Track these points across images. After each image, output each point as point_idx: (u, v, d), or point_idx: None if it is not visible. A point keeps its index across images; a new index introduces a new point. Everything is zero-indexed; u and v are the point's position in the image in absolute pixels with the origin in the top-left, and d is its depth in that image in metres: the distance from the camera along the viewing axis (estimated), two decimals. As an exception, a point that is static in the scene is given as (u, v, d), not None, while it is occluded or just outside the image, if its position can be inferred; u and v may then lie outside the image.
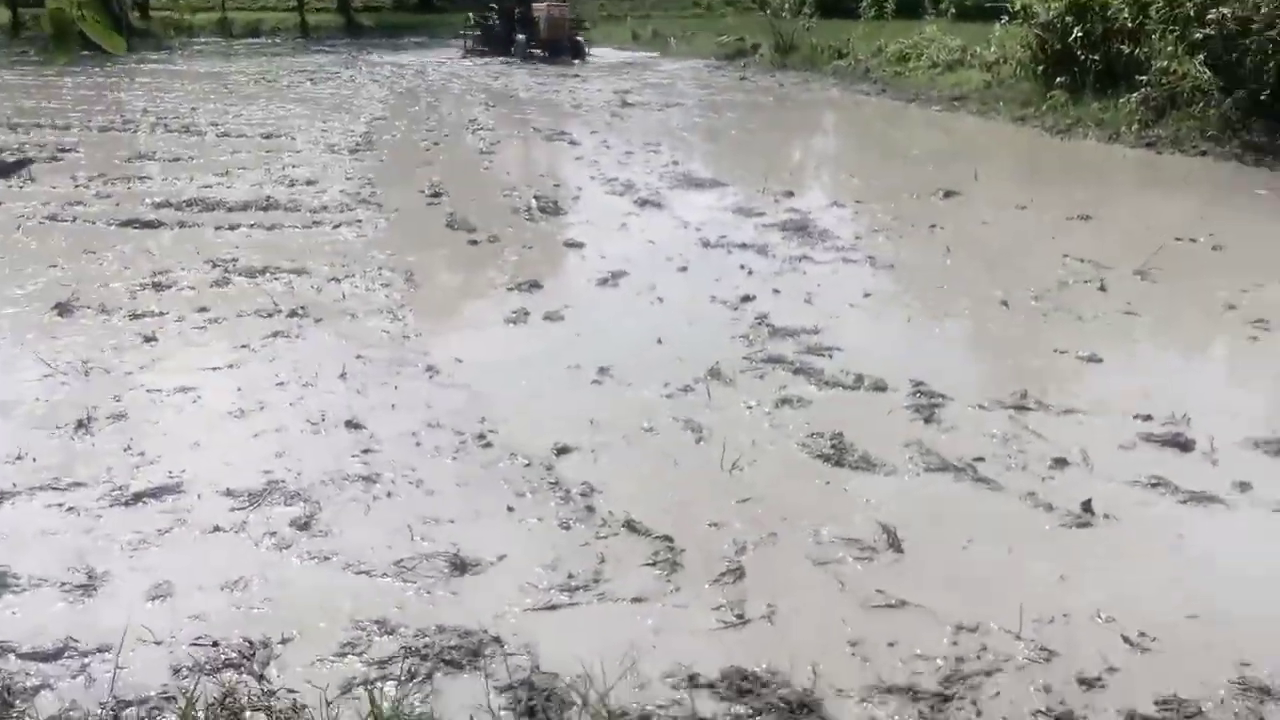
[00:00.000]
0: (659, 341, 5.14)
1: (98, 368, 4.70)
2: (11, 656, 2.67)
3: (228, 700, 2.47)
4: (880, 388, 4.56)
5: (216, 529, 3.34)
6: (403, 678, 2.59)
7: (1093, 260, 6.56)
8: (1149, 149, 11.22)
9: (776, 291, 6.03)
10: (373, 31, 30.85)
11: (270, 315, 5.43)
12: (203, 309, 5.51)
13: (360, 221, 7.57)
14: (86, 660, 2.67)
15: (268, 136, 11.35)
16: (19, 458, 3.81)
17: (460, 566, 3.12)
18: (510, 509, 3.47)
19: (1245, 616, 2.92)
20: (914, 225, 7.66)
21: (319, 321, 5.38)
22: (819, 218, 7.89)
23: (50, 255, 6.47)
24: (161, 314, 5.41)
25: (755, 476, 3.73)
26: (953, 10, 25.87)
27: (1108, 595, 2.98)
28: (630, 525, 3.35)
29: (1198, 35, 11.22)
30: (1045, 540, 3.32)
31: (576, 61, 22.07)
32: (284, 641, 2.74)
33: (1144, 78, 11.86)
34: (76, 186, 8.48)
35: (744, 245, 7.06)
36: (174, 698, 2.50)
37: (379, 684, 2.57)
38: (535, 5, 22.73)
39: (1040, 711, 2.51)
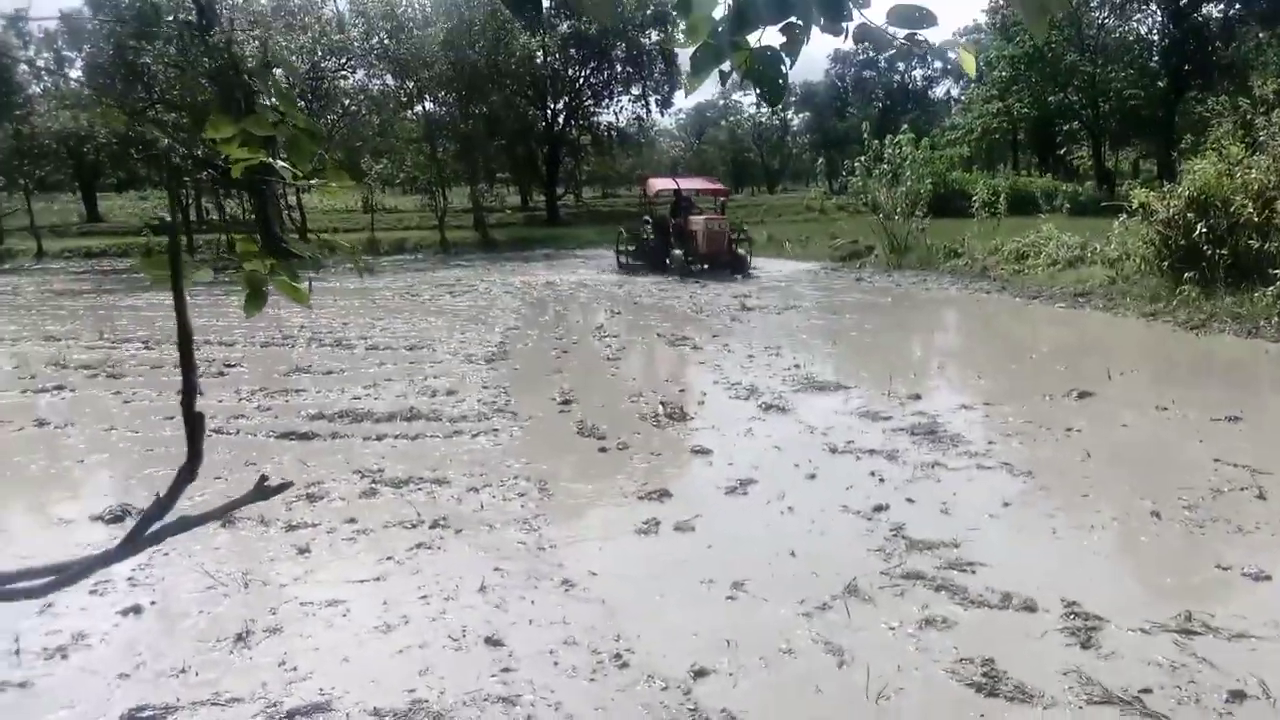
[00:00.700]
0: (792, 554, 5.10)
1: (256, 580, 4.94)
2: None
3: None
4: (1030, 608, 4.37)
5: (363, 751, 3.39)
6: None
7: (1247, 465, 6.26)
8: (1295, 343, 10.83)
9: (910, 500, 5.94)
10: (505, 246, 33.02)
11: (414, 526, 5.65)
12: (351, 520, 5.78)
13: (496, 430, 7.90)
14: None
15: (411, 348, 12.10)
16: (183, 671, 3.99)
17: (602, 800, 3.06)
18: (651, 737, 3.41)
19: None
20: (1049, 428, 7.49)
21: (459, 533, 5.56)
22: (948, 421, 7.81)
23: (215, 467, 6.93)
24: (314, 525, 5.70)
25: (903, 705, 3.58)
26: (1067, 206, 26.14)
27: None
28: (775, 759, 3.24)
29: (1332, 228, 10.99)
30: (1232, 788, 3.04)
31: (739, 277, 20.66)
32: None
33: (1277, 272, 11.60)
34: (240, 400, 9.17)
35: (872, 451, 7.02)
36: None
37: None
38: (693, 218, 21.83)
39: None
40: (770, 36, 1.79)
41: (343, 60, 36.15)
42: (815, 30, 1.73)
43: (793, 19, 1.74)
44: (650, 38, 42.26)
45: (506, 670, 3.92)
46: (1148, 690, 3.62)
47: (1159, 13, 38.70)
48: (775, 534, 5.45)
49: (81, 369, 11.02)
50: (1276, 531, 5.25)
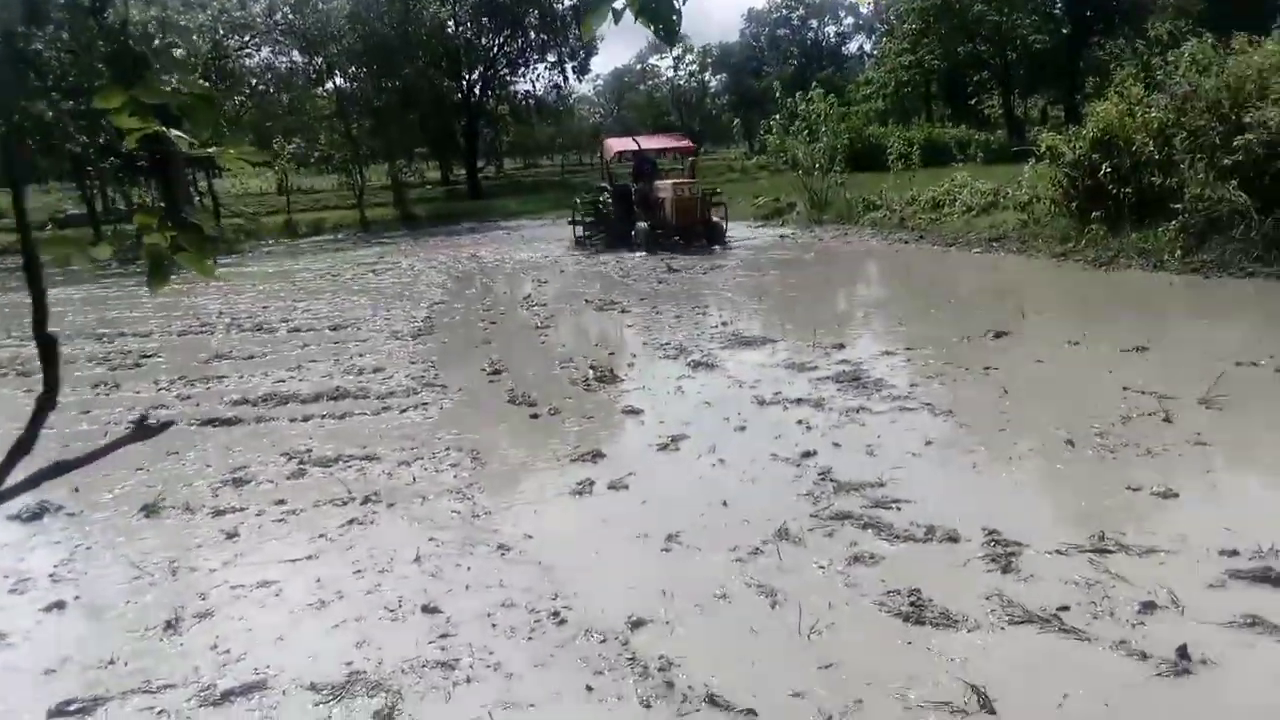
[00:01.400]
0: (724, 504, 5.18)
1: (184, 567, 4.85)
2: None
3: None
4: (953, 538, 4.52)
5: (302, 725, 3.37)
6: None
7: (1154, 392, 6.52)
8: (1195, 274, 11.29)
9: (837, 445, 6.07)
10: (427, 222, 32.50)
11: (345, 503, 5.59)
12: (280, 501, 5.69)
13: (426, 404, 7.83)
14: None
15: (334, 328, 11.89)
16: (111, 662, 3.91)
17: (544, 752, 3.10)
18: (589, 688, 3.45)
19: (1369, 764, 2.77)
20: (968, 369, 7.70)
21: (391, 507, 5.52)
22: (871, 367, 7.98)
23: (136, 459, 6.75)
24: (242, 509, 5.60)
25: (834, 640, 3.68)
26: (980, 155, 26.69)
27: (1217, 748, 2.86)
28: (712, 699, 3.31)
29: (1226, 161, 11.43)
30: (1143, 691, 3.21)
31: (716, 248, 17.95)
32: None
33: (1179, 206, 12.04)
34: (159, 390, 8.93)
35: (799, 400, 7.14)
36: None
37: None
38: (659, 183, 18.90)
39: None
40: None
41: (246, 37, 35.01)
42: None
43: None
44: (563, 2, 41.73)
45: (445, 636, 3.92)
46: (1065, 608, 3.77)
47: (1060, -40, 39.47)
48: (707, 486, 5.53)
49: (-12, 369, 10.60)
50: (1183, 452, 5.50)
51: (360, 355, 10.03)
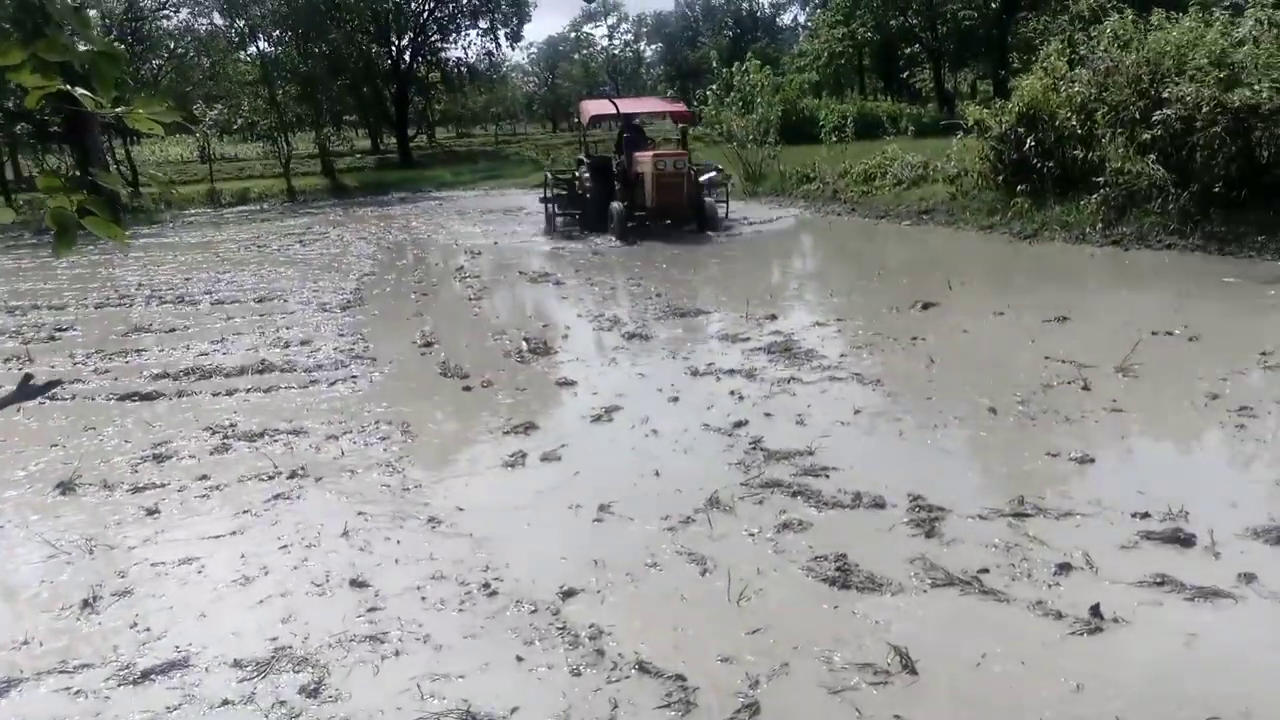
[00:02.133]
0: (656, 474, 5.20)
1: (101, 545, 4.71)
2: None
3: None
4: (879, 504, 4.61)
5: (225, 702, 3.31)
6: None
7: (1074, 360, 6.71)
8: (1115, 246, 11.61)
9: (768, 415, 6.13)
10: (357, 191, 31.84)
11: (270, 478, 5.48)
12: (203, 477, 5.56)
13: (355, 377, 7.70)
14: None
15: (260, 300, 11.61)
16: (25, 642, 3.79)
17: (474, 723, 3.09)
18: (520, 658, 3.45)
19: (1262, 714, 2.90)
20: (896, 339, 7.83)
21: (319, 481, 5.42)
22: (803, 338, 8.06)
23: (50, 435, 6.54)
24: (163, 485, 5.45)
25: (763, 605, 3.73)
26: (912, 129, 27.04)
27: (1125, 703, 2.97)
28: (641, 666, 3.33)
29: (1145, 136, 11.74)
30: (1058, 649, 3.31)
31: (711, 235, 15.19)
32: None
33: (1100, 179, 12.35)
34: (75, 364, 8.63)
35: (732, 371, 7.19)
36: None
37: None
38: (639, 156, 15.59)
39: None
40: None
41: (164, -1, 33.74)
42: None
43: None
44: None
45: (373, 610, 3.88)
46: (985, 570, 3.88)
47: (990, -65, 39.93)
48: (640, 456, 5.54)
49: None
50: (1100, 419, 5.67)
51: (287, 328, 9.81)
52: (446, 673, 3.39)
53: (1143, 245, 11.43)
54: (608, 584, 3.99)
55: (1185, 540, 4.02)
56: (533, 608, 3.81)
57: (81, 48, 2.10)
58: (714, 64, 24.56)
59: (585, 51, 74.48)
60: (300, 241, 18.41)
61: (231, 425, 6.50)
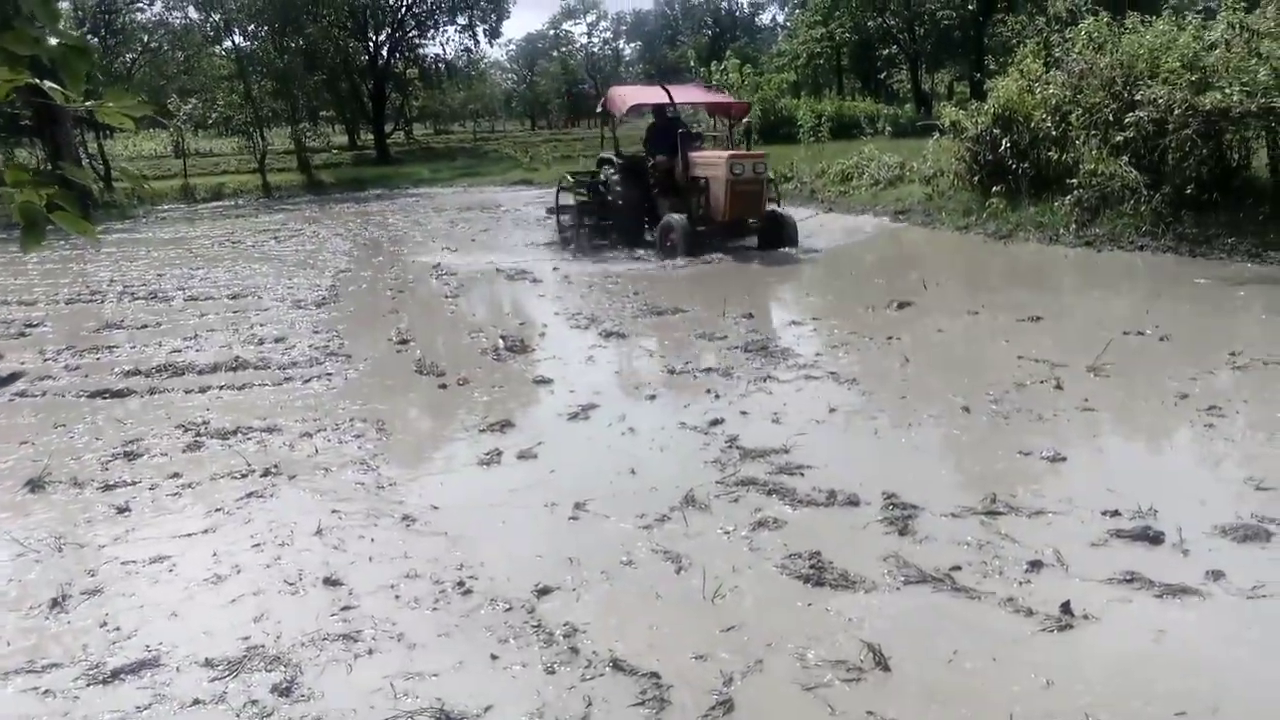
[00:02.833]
0: (633, 472, 5.20)
1: (71, 543, 4.66)
2: None
3: None
4: (853, 502, 4.63)
5: (196, 702, 3.29)
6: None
7: (1047, 360, 6.77)
8: (1088, 247, 11.73)
9: (744, 413, 6.14)
10: (334, 187, 31.63)
11: (244, 476, 5.43)
12: (175, 475, 5.50)
13: (330, 374, 7.65)
14: None
15: (234, 297, 11.51)
16: (-9, 644, 3.74)
17: (447, 721, 3.08)
18: (494, 657, 3.44)
19: (1229, 709, 2.94)
20: (871, 338, 7.87)
21: (293, 479, 5.39)
22: (779, 337, 8.10)
23: (20, 432, 6.46)
24: (134, 483, 5.39)
25: (737, 603, 3.74)
26: (889, 129, 27.19)
27: (1094, 698, 3.00)
28: (616, 664, 3.33)
29: (1119, 138, 11.86)
30: (1028, 646, 3.35)
31: (791, 251, 12.89)
32: (271, 817, 2.67)
33: (1074, 181, 12.47)
34: (45, 360, 8.52)
35: (709, 369, 7.21)
36: None
37: None
38: (699, 157, 13.15)
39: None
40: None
41: (137, -9, 33.38)
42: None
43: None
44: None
45: (346, 609, 3.86)
46: (957, 568, 3.90)
47: (967, -63, 40.23)
48: (616, 454, 5.53)
49: None
50: (1071, 418, 5.72)
51: (261, 325, 9.74)
52: (420, 671, 3.38)
53: (1115, 246, 11.55)
54: (583, 582, 3.98)
55: (1154, 538, 4.07)
56: (507, 606, 3.80)
57: (51, 41, 2.08)
58: (693, 63, 24.61)
59: (564, 49, 74.39)
60: (275, 238, 18.27)
61: (204, 423, 6.44)
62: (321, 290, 11.82)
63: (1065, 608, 3.51)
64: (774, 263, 12.51)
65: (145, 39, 35.65)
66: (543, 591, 3.90)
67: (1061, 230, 12.36)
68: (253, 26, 35.41)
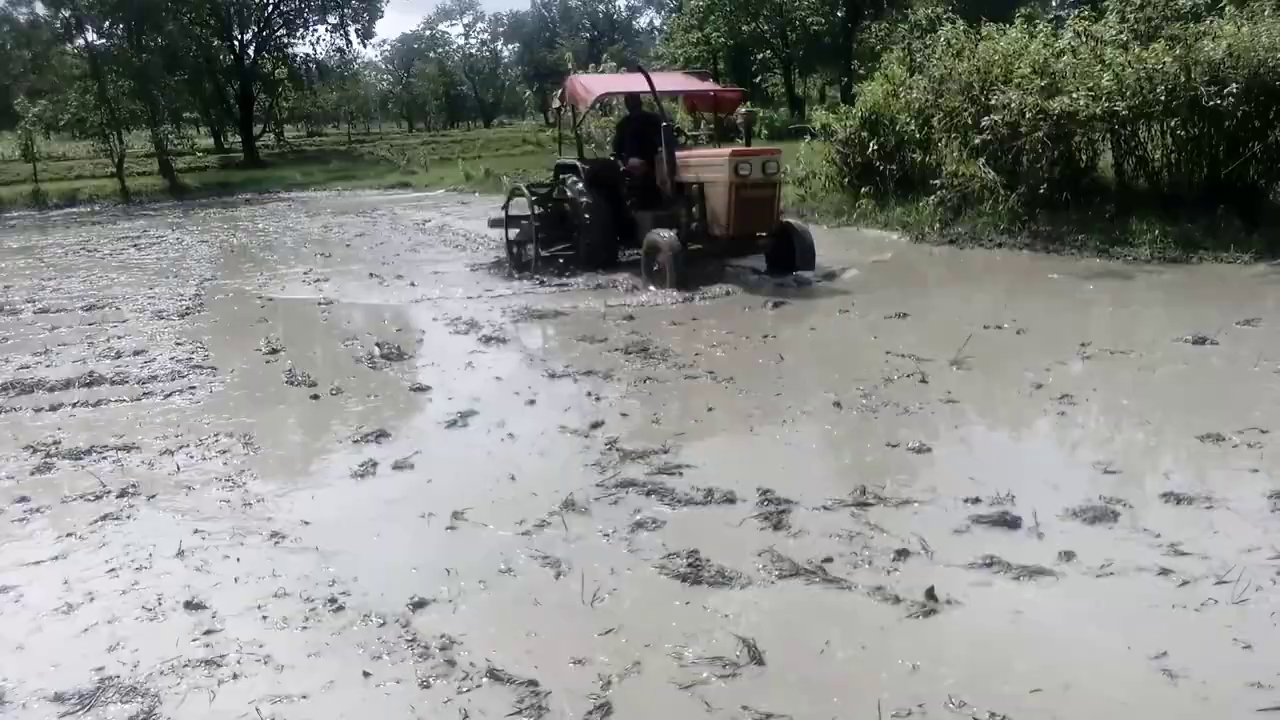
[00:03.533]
0: (512, 478, 5.15)
1: (-99, 578, 4.32)
2: None
3: None
4: (730, 500, 4.69)
5: (44, 741, 3.09)
6: None
7: (913, 355, 7.03)
8: (952, 245, 12.25)
9: (624, 415, 6.17)
10: (199, 192, 30.36)
11: (98, 498, 5.14)
12: (22, 499, 5.16)
13: (193, 388, 7.33)
14: None
15: (89, 309, 10.91)
16: None
17: (317, 744, 2.98)
18: (367, 674, 3.35)
19: (1080, 683, 3.10)
20: (748, 337, 8.02)
21: (152, 499, 5.13)
22: (659, 337, 8.15)
23: None
24: (-26, 511, 5.04)
25: (616, 606, 3.75)
26: (765, 132, 27.76)
27: (957, 680, 3.12)
28: (493, 674, 3.29)
29: (977, 140, 12.43)
30: (895, 632, 3.45)
31: (807, 276, 10.41)
32: None
33: (938, 181, 13.01)
34: (-128, 380, 7.88)
35: (589, 372, 7.20)
36: None
37: None
38: (691, 156, 10.83)
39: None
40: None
41: (-24, -15, 31.32)
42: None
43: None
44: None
45: (209, 633, 3.69)
46: (829, 559, 4.00)
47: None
48: (495, 461, 5.47)
49: None
50: (935, 410, 5.95)
51: (119, 337, 9.25)
52: (288, 694, 3.26)
53: (976, 244, 12.09)
54: (460, 592, 3.92)
55: (1012, 523, 4.26)
56: (381, 621, 3.71)
57: None
58: (571, 66, 24.58)
59: (441, 50, 73.31)
60: (135, 245, 17.42)
61: (55, 443, 6.07)
62: (185, 300, 11.32)
63: (930, 593, 3.64)
64: (802, 294, 9.90)
65: (-14, 35, 33.48)
66: (418, 604, 3.81)
67: (926, 229, 12.87)
68: (107, 24, 33.68)
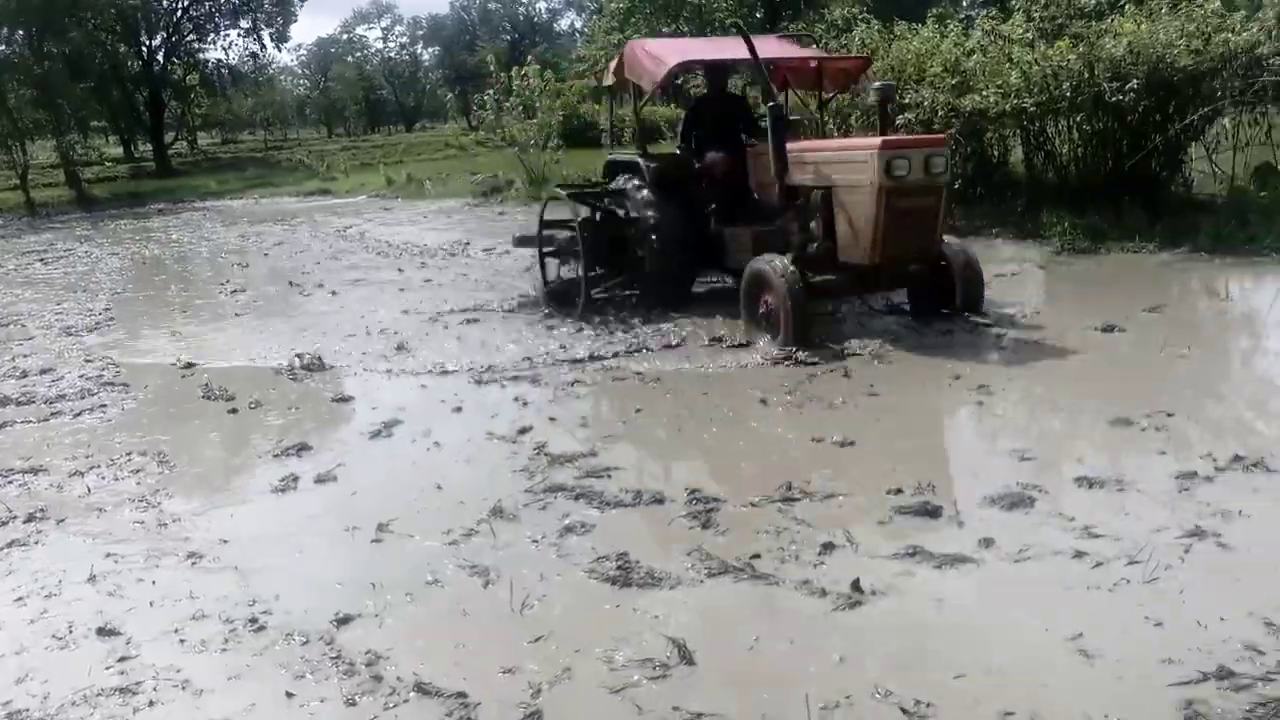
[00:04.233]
0: (438, 487, 5.08)
1: None
2: None
3: None
4: (659, 500, 4.70)
5: (-55, 783, 2.94)
6: None
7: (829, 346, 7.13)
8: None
9: (552, 419, 6.13)
10: (109, 203, 29.38)
11: (3, 524, 4.93)
12: (-81, 531, 4.93)
13: (104, 406, 7.08)
14: None
15: (-8, 326, 10.47)
16: None
17: (239, 769, 2.90)
18: (290, 695, 3.26)
19: (1003, 667, 3.18)
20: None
21: (61, 523, 4.94)
22: (587, 341, 8.12)
23: None
24: None
25: (545, 612, 3.72)
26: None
27: (883, 670, 3.17)
28: (421, 688, 3.23)
29: (895, 139, 12.65)
30: (822, 625, 3.49)
31: (971, 319, 7.61)
32: None
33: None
34: None
35: (516, 377, 7.15)
36: None
37: None
38: (812, 149, 7.75)
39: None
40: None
41: None
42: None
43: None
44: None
45: (124, 659, 3.56)
46: (757, 556, 4.03)
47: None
48: (421, 471, 5.39)
49: None
50: (859, 404, 6.04)
51: (25, 355, 8.91)
52: (208, 719, 3.16)
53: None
54: (386, 606, 3.85)
55: (933, 512, 4.34)
56: (304, 639, 3.62)
57: None
58: (492, 68, 24.41)
59: (359, 54, 72.15)
60: (41, 260, 16.78)
61: (-45, 468, 5.80)
62: (95, 315, 10.94)
63: (855, 585, 3.69)
64: (981, 352, 7.05)
65: (-127, 43, 31.94)
66: (343, 620, 3.73)
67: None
68: (6, 30, 32.38)
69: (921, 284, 7.78)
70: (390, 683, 3.29)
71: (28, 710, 3.28)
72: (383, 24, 70.94)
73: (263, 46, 44.81)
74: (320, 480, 5.34)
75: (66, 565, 4.39)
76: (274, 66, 54.70)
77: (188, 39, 41.55)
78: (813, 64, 9.04)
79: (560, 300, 9.23)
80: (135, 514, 5.01)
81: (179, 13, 40.22)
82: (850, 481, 4.76)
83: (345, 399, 6.97)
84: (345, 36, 72.18)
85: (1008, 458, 5.02)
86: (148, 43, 39.97)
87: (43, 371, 8.22)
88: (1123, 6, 12.26)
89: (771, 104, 7.54)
